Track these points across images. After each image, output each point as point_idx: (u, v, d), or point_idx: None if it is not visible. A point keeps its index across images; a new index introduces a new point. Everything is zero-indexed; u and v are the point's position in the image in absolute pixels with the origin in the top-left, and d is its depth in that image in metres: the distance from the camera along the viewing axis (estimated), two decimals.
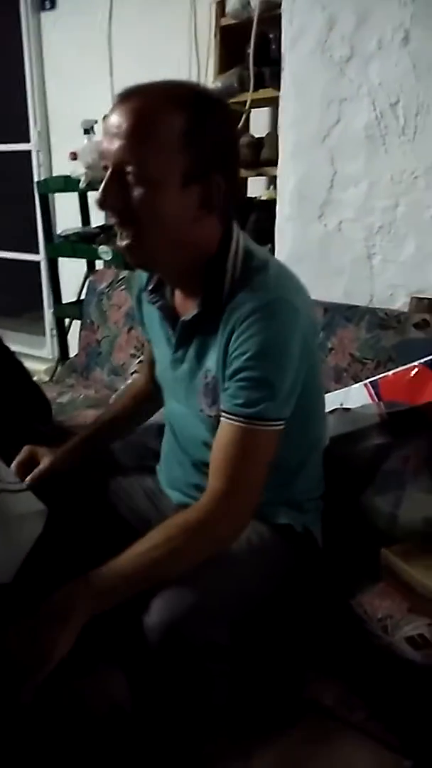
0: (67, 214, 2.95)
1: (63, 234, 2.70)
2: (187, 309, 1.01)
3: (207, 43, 2.31)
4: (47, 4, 3.02)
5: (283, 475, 1.06)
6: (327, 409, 1.25)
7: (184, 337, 1.03)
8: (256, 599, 1.03)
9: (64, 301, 2.92)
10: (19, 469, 1.16)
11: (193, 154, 0.88)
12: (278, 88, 1.81)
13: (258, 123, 2.32)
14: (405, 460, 1.17)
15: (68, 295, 2.93)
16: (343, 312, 1.60)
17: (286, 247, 1.86)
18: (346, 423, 1.26)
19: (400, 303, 1.65)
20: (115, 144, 0.88)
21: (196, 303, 0.99)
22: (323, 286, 1.76)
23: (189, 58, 2.40)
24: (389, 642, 1.03)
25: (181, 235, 0.93)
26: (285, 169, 1.83)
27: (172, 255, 0.96)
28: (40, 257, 3.34)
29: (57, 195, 3.00)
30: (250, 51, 2.05)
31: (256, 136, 2.20)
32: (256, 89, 2.08)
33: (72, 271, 2.89)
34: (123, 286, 2.16)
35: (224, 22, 2.18)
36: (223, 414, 0.94)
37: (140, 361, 2.03)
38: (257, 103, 2.16)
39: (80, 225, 2.83)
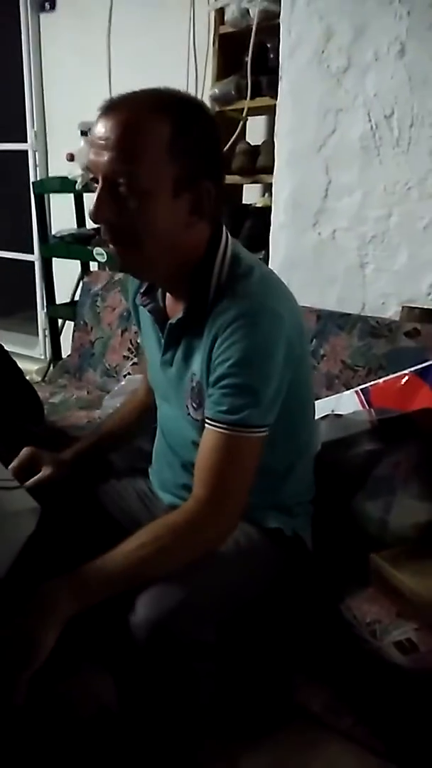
0: (62, 214, 2.96)
1: (58, 234, 2.71)
2: (177, 312, 1.02)
3: (205, 50, 2.32)
4: (47, 6, 3.03)
5: (272, 480, 1.07)
6: (319, 416, 1.26)
7: (172, 340, 1.04)
8: (243, 600, 1.04)
9: (57, 302, 2.93)
10: (19, 470, 1.16)
11: (182, 162, 0.89)
12: (275, 97, 1.83)
13: (254, 131, 2.34)
14: (395, 467, 1.19)
15: (62, 296, 2.93)
16: (336, 320, 1.62)
17: (280, 255, 1.88)
18: (338, 429, 1.27)
19: (391, 312, 1.67)
20: (105, 156, 0.87)
21: (184, 306, 1.00)
22: (316, 293, 1.78)
23: (187, 65, 2.41)
24: (378, 646, 1.04)
25: (173, 242, 0.94)
26: (280, 177, 1.85)
27: (163, 262, 0.96)
28: (35, 257, 3.34)
29: (53, 195, 3.01)
30: (248, 59, 2.06)
31: (253, 143, 2.22)
32: (253, 97, 2.09)
33: (66, 272, 2.89)
34: (117, 288, 2.17)
35: (223, 30, 2.19)
36: (207, 421, 0.95)
37: (134, 363, 2.04)
38: (254, 111, 2.17)
39: (75, 226, 2.84)
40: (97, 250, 2.42)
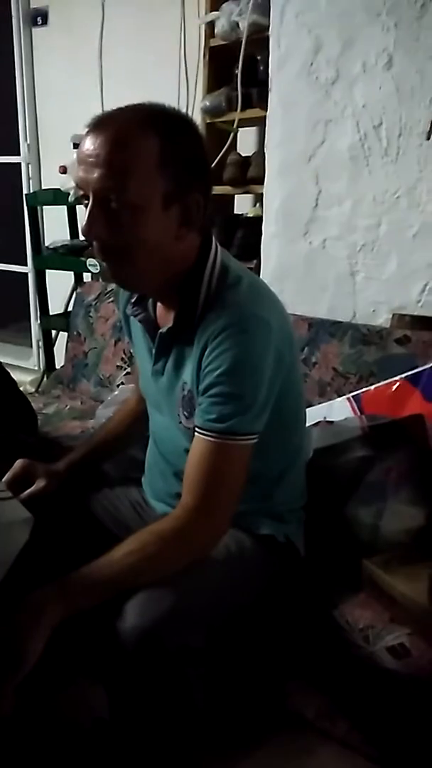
0: (55, 226, 2.97)
1: (51, 246, 2.72)
2: (167, 321, 1.03)
3: (196, 62, 2.35)
4: (39, 20, 3.06)
5: (264, 486, 1.08)
6: (311, 423, 1.27)
7: (163, 349, 1.05)
8: (234, 606, 1.04)
9: (51, 313, 2.93)
10: (13, 482, 1.16)
11: (171, 175, 0.90)
12: (265, 109, 1.85)
13: (245, 142, 2.36)
14: (387, 473, 1.20)
15: (55, 307, 2.94)
16: (327, 327, 1.63)
17: (271, 264, 1.89)
18: (329, 436, 1.28)
19: (382, 319, 1.69)
20: (94, 173, 0.88)
21: (174, 316, 1.01)
22: (307, 302, 1.80)
23: (178, 77, 2.44)
24: (370, 652, 1.04)
25: (164, 255, 0.95)
26: (271, 187, 1.87)
27: (155, 274, 0.97)
28: (28, 269, 3.35)
29: (46, 208, 3.02)
30: (238, 72, 2.08)
31: (244, 154, 2.23)
32: (243, 109, 2.11)
33: (59, 283, 2.90)
34: (110, 299, 2.18)
35: (213, 42, 2.22)
36: (197, 429, 0.96)
37: (127, 373, 2.05)
38: (245, 123, 2.19)
39: (68, 237, 2.85)
40: (90, 261, 2.43)
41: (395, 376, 1.41)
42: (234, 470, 0.95)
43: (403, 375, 1.40)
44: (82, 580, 0.87)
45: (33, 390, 2.86)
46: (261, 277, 1.68)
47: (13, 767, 1.06)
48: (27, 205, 2.83)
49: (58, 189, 2.55)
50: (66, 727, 1.15)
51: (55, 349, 2.97)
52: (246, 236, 2.12)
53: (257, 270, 1.91)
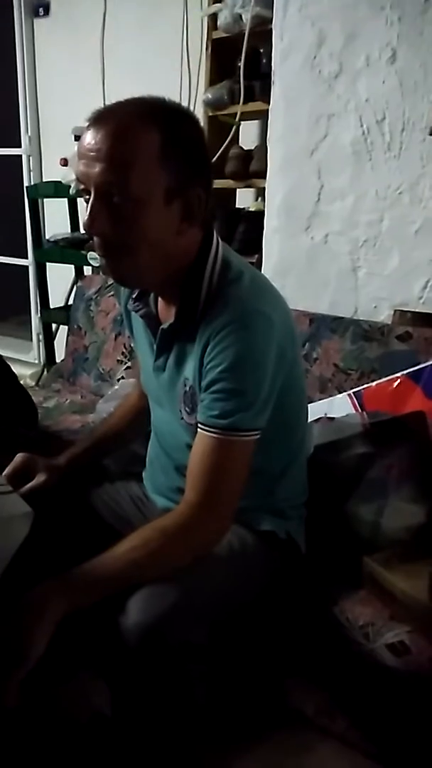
0: (56, 219, 2.96)
1: (52, 239, 2.71)
2: (169, 317, 1.03)
3: (198, 55, 2.33)
4: (41, 11, 3.04)
5: (266, 482, 1.08)
6: (311, 419, 1.27)
7: (165, 345, 1.04)
8: (236, 602, 1.04)
9: (51, 306, 2.93)
10: (13, 476, 1.16)
11: (173, 169, 0.89)
12: (268, 102, 1.84)
13: (247, 135, 2.34)
14: (388, 470, 1.20)
15: (56, 301, 2.93)
16: (328, 323, 1.63)
17: (273, 259, 1.89)
18: (330, 432, 1.28)
19: (383, 315, 1.68)
20: (96, 168, 0.88)
21: (175, 312, 1.00)
22: (309, 297, 1.79)
23: (180, 70, 2.42)
24: (370, 649, 1.04)
25: (166, 250, 0.94)
26: (273, 181, 1.86)
27: (156, 269, 0.97)
28: (29, 262, 3.34)
29: (47, 200, 3.01)
30: (241, 64, 2.07)
31: (246, 148, 2.22)
32: (245, 102, 2.10)
33: (60, 277, 2.89)
34: (111, 293, 2.17)
35: (216, 35, 2.20)
36: (199, 425, 0.96)
37: (128, 367, 2.05)
38: (247, 116, 2.18)
39: (69, 230, 2.84)
40: (91, 255, 2.42)
41: (396, 372, 1.41)
42: (237, 466, 0.95)
43: (405, 372, 1.39)
44: (86, 575, 0.87)
45: (33, 384, 2.86)
46: (262, 272, 1.68)
47: (11, 757, 1.06)
48: (28, 197, 2.82)
49: (59, 181, 2.54)
50: (64, 719, 1.16)
51: (55, 342, 2.96)
52: (247, 231, 2.12)
53: (258, 265, 1.90)
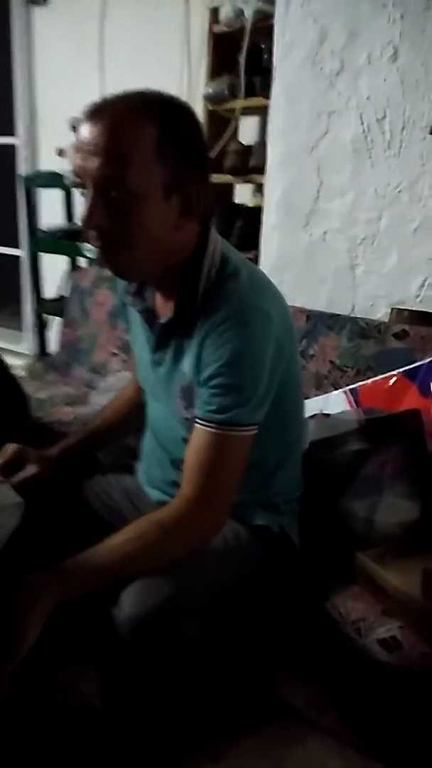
0: (51, 209, 2.94)
1: (47, 229, 2.69)
2: (166, 312, 1.03)
3: (199, 48, 2.32)
4: (40, 0, 3.01)
5: (261, 476, 1.08)
6: (307, 415, 1.27)
7: (162, 340, 1.04)
8: (229, 596, 1.04)
9: (45, 297, 2.91)
10: (4, 467, 1.15)
11: (171, 163, 0.89)
12: (268, 97, 1.84)
13: (247, 131, 2.34)
14: (382, 466, 1.20)
15: (50, 292, 2.92)
16: (326, 320, 1.63)
17: (271, 255, 1.89)
18: (326, 428, 1.28)
19: (380, 313, 1.69)
20: (94, 162, 0.87)
21: (173, 307, 1.00)
22: (307, 294, 1.79)
23: (181, 63, 2.41)
24: (362, 644, 1.05)
25: (165, 245, 0.94)
26: (272, 177, 1.86)
27: (155, 263, 0.96)
28: (23, 252, 3.32)
29: (42, 190, 2.98)
30: (242, 59, 2.07)
31: (245, 143, 2.22)
32: (246, 97, 2.10)
33: (54, 268, 2.88)
34: (105, 285, 2.16)
35: (217, 29, 2.19)
36: (197, 420, 0.96)
37: (122, 360, 2.04)
38: (247, 111, 2.18)
39: (64, 221, 2.82)
40: (86, 246, 2.41)
41: (392, 370, 1.41)
42: (234, 461, 0.95)
43: (401, 369, 1.40)
44: (80, 566, 0.87)
45: (25, 375, 2.84)
46: (260, 268, 1.68)
47: (0, 745, 1.06)
48: (23, 187, 2.80)
49: (55, 171, 2.52)
50: (53, 709, 1.16)
51: (48, 334, 2.95)
52: (246, 226, 2.11)
53: (256, 261, 1.90)
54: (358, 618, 1.08)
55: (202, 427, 0.95)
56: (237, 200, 2.42)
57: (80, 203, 0.92)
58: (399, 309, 1.61)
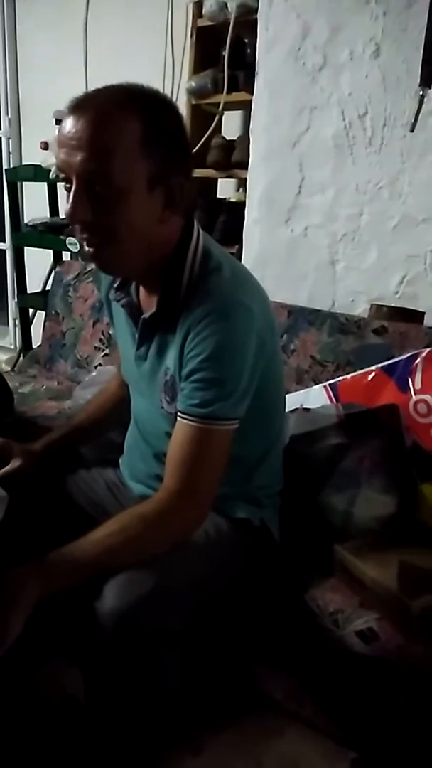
0: (35, 203, 2.92)
1: (31, 223, 2.68)
2: (150, 306, 1.03)
3: (183, 42, 2.32)
4: None
5: (243, 470, 1.09)
6: (288, 409, 1.28)
7: (146, 334, 1.04)
8: (210, 589, 1.05)
9: (29, 291, 2.90)
10: None
11: (154, 157, 0.89)
12: (251, 92, 1.84)
13: (230, 125, 2.34)
14: (360, 461, 1.21)
15: (33, 285, 2.91)
16: (306, 315, 1.64)
17: (253, 250, 1.89)
18: (306, 423, 1.29)
19: (360, 309, 1.70)
20: (77, 156, 0.87)
21: (157, 301, 1.01)
22: (288, 289, 1.80)
23: (164, 56, 2.40)
24: (340, 636, 1.06)
25: (149, 238, 0.95)
26: (255, 172, 1.86)
27: (139, 257, 0.97)
28: (6, 245, 3.30)
29: (26, 184, 2.97)
30: (225, 53, 2.06)
31: (228, 138, 2.22)
32: (229, 92, 2.10)
33: (38, 261, 2.86)
34: (89, 279, 2.16)
35: (201, 23, 2.19)
36: (179, 414, 0.97)
37: (105, 355, 2.04)
38: (230, 106, 2.18)
39: (48, 215, 2.81)
40: (70, 240, 2.40)
41: (371, 365, 1.43)
42: (216, 454, 0.96)
43: (379, 365, 1.41)
44: (63, 559, 0.87)
45: (9, 369, 2.83)
46: (243, 262, 1.68)
47: None
48: (6, 180, 2.78)
49: (39, 165, 2.51)
50: (36, 703, 1.16)
51: (32, 328, 2.94)
52: (228, 221, 2.12)
53: (239, 255, 1.91)
54: (336, 610, 1.09)
55: (184, 420, 0.95)
56: (220, 195, 2.42)
57: (64, 197, 0.92)
58: (378, 305, 1.62)
